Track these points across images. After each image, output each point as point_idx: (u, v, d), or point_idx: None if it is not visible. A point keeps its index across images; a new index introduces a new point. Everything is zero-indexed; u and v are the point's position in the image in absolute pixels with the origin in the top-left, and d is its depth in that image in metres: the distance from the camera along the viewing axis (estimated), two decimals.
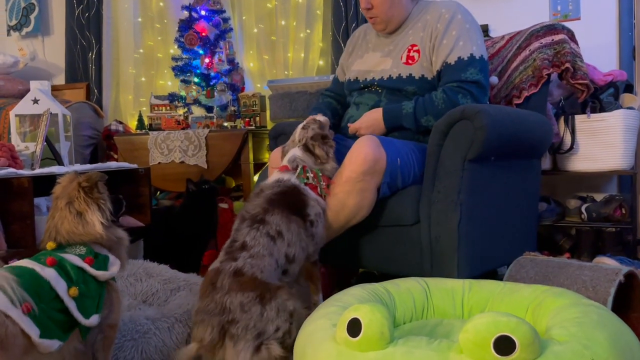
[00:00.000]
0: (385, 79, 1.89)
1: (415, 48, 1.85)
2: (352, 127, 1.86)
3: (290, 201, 1.49)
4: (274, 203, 1.47)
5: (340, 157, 1.88)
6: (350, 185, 1.60)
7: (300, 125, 1.70)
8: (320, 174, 1.61)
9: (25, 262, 1.10)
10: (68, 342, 1.09)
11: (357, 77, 1.98)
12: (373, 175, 1.60)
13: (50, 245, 1.18)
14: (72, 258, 1.16)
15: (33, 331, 0.99)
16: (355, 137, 1.86)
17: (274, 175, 1.60)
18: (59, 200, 1.22)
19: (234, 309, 1.26)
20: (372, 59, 1.96)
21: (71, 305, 1.08)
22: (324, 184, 1.60)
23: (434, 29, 1.83)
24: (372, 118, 1.82)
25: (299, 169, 1.59)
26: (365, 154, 1.59)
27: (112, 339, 1.23)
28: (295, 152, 1.64)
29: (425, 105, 1.76)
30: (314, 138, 1.63)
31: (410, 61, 1.85)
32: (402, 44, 1.90)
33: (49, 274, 1.08)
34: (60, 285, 1.08)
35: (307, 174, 1.58)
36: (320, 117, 1.73)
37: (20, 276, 1.02)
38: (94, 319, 1.13)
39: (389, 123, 1.80)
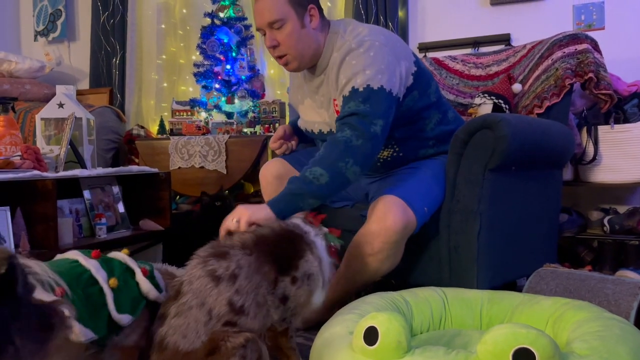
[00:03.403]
0: (326, 132, 1.75)
1: (336, 102, 1.66)
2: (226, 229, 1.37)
3: (282, 246, 1.22)
4: (260, 244, 1.21)
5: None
6: (385, 254, 1.56)
7: None
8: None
9: (71, 254, 1.13)
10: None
11: (305, 128, 1.85)
12: (405, 237, 1.57)
13: (125, 251, 1.22)
14: (124, 257, 1.17)
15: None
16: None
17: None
18: None
19: None
20: (311, 109, 1.79)
21: (109, 295, 1.08)
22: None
23: (334, 75, 1.63)
24: (263, 218, 1.38)
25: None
26: (394, 224, 1.51)
27: None
28: None
29: (310, 165, 1.52)
30: None
31: None
32: (326, 93, 1.70)
33: (92, 263, 1.10)
34: (101, 273, 1.09)
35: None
36: None
37: (59, 265, 1.04)
38: (125, 318, 1.10)
39: (283, 211, 1.42)
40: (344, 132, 1.50)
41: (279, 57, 1.66)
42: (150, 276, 1.20)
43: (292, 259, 1.22)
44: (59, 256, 1.16)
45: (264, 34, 1.65)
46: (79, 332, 0.99)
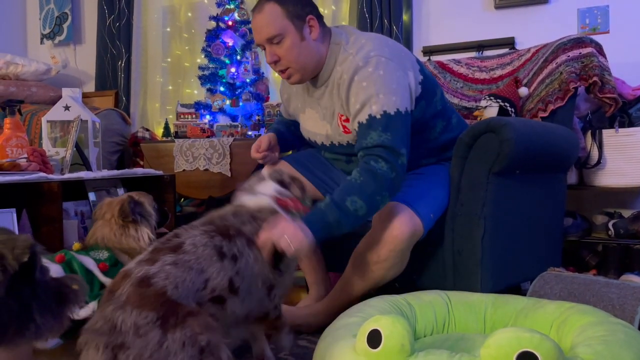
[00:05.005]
0: (328, 145, 1.76)
1: (343, 118, 1.64)
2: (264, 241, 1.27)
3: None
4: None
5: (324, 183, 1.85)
6: (391, 262, 1.56)
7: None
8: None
9: None
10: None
11: (309, 138, 1.83)
12: (412, 244, 1.56)
13: (76, 246, 1.20)
14: (85, 260, 1.16)
15: None
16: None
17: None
18: (105, 214, 1.29)
19: (125, 330, 0.97)
20: (312, 120, 1.77)
21: None
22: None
23: (340, 91, 1.60)
24: (299, 239, 1.32)
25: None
26: (401, 232, 1.51)
27: None
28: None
29: (343, 189, 1.47)
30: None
31: (346, 131, 1.65)
32: (329, 106, 1.67)
33: (54, 269, 1.10)
34: None
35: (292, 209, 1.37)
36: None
37: None
38: (85, 310, 1.10)
39: (319, 233, 1.39)
40: (379, 164, 1.46)
41: (281, 72, 1.64)
42: (111, 268, 1.19)
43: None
44: None
45: (264, 49, 1.62)
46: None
